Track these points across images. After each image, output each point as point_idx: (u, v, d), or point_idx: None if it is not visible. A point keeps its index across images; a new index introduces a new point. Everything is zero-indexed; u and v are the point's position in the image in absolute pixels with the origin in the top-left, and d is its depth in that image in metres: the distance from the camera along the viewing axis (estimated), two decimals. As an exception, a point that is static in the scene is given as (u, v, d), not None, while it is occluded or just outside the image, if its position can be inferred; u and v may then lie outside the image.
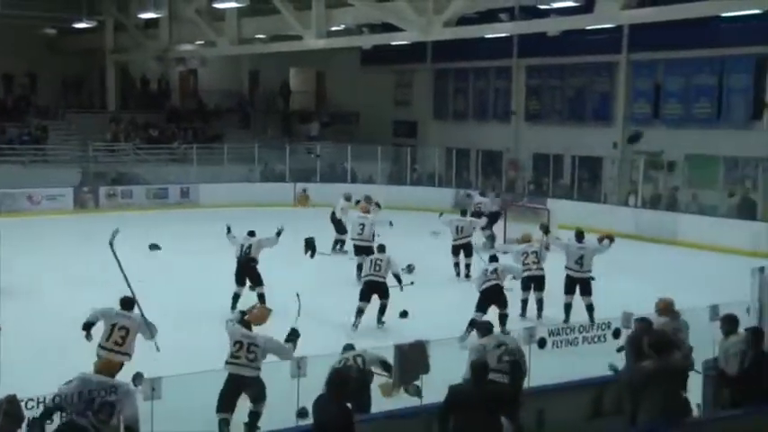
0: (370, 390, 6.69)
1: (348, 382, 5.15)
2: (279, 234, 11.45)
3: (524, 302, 11.20)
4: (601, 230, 18.65)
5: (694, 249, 17.54)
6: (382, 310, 10.61)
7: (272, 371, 6.45)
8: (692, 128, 20.60)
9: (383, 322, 10.63)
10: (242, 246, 11.26)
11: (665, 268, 15.52)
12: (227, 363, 6.90)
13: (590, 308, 10.87)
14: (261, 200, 23.40)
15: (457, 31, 19.08)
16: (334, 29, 21.76)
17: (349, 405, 5.12)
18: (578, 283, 10.98)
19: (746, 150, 19.02)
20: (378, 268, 10.65)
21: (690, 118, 20.72)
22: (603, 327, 7.04)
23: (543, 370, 6.68)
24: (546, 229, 12.82)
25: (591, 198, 21.30)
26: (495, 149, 25.45)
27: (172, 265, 14.67)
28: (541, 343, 6.60)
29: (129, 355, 7.57)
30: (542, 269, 11.22)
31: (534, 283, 11.20)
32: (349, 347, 7.15)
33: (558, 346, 6.67)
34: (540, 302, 11.21)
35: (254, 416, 6.86)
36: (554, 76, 24.31)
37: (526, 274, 11.14)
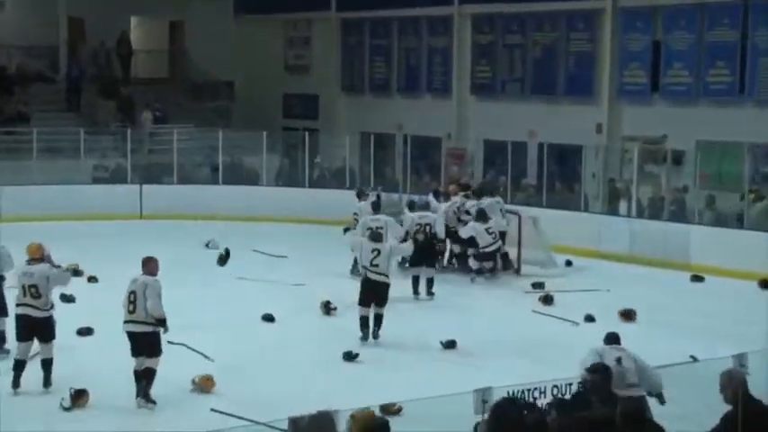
0: None
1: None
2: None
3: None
4: (580, 251, 18.96)
5: (712, 276, 17.72)
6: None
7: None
8: (705, 104, 20.91)
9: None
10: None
11: (671, 307, 15.61)
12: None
13: None
14: (92, 209, 22.86)
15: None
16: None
17: None
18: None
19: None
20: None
21: (702, 90, 21.00)
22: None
23: None
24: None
25: (566, 204, 21.33)
26: (432, 135, 25.44)
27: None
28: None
29: None
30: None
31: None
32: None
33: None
34: None
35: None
36: (512, 31, 24.42)
37: None
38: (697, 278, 17.83)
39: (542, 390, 8.23)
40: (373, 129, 25.78)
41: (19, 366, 10.88)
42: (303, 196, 24.08)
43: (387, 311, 13.73)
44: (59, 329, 12.02)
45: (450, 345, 13.00)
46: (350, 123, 27.18)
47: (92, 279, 16.64)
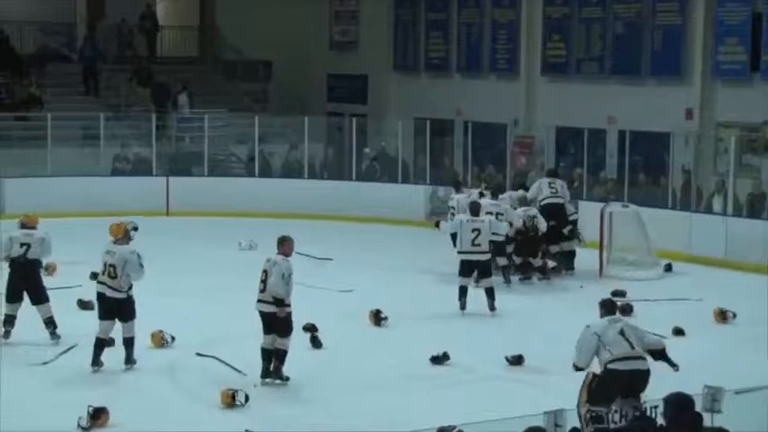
0: None
1: None
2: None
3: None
4: (668, 254, 18.83)
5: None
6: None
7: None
8: (814, 85, 20.75)
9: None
10: None
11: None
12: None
13: None
14: (112, 205, 23.06)
15: None
16: None
17: None
18: None
19: None
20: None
21: (810, 69, 20.82)
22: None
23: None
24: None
25: (651, 200, 21.16)
26: (496, 121, 25.34)
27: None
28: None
29: None
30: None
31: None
32: None
33: None
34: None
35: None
36: (590, 2, 24.29)
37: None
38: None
39: (624, 413, 8.18)
40: (429, 114, 25.71)
41: (99, 345, 12.36)
42: (350, 190, 24.13)
43: (447, 324, 14.03)
44: (76, 339, 12.17)
45: (516, 361, 12.96)
46: (403, 108, 27.17)
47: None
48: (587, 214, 19.60)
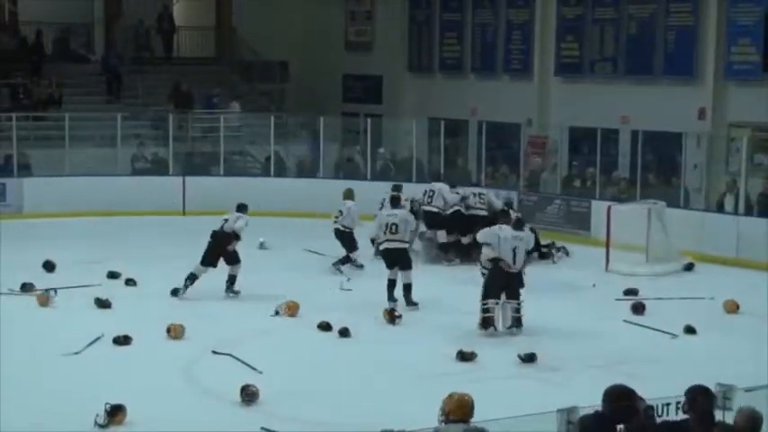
0: None
1: None
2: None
3: None
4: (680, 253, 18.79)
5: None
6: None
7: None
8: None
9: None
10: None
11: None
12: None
13: None
14: (130, 204, 23.21)
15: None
16: None
17: None
18: None
19: None
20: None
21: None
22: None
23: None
24: None
25: (663, 200, 20.95)
26: (510, 121, 25.34)
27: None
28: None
29: None
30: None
31: None
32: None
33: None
34: None
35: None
36: (603, 3, 24.21)
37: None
38: (815, 285, 17.53)
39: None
40: (444, 114, 25.72)
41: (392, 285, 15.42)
42: (365, 190, 24.08)
43: (459, 322, 14.02)
44: (93, 336, 12.23)
45: (529, 358, 12.95)
46: (417, 108, 27.15)
47: (129, 282, 16.86)
48: (600, 213, 19.64)
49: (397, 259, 15.64)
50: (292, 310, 15.12)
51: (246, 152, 27.04)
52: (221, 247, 16.10)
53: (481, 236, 14.74)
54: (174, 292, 15.89)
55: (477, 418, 7.82)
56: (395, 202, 16.88)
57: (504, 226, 14.55)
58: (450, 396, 7.37)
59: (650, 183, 22.06)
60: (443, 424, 7.27)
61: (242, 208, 16.63)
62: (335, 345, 13.79)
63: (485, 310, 14.07)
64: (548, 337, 13.98)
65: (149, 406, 10.90)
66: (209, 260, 16.11)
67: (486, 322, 14.05)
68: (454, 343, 13.25)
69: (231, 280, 16.21)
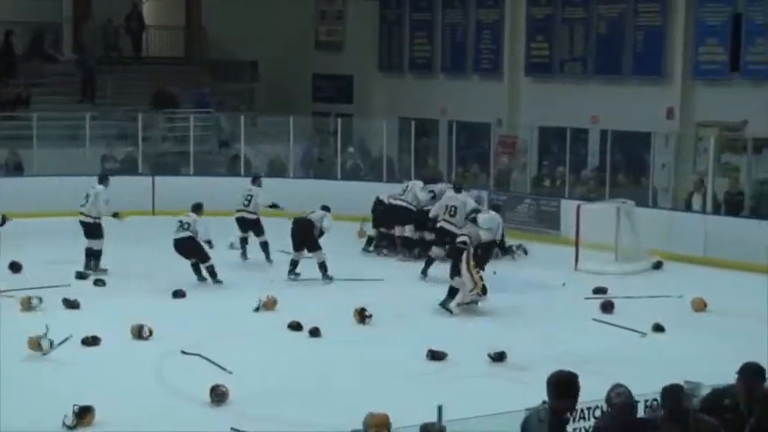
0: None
1: None
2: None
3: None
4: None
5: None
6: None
7: None
8: (792, 85, 20.79)
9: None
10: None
11: (752, 315, 15.32)
12: None
13: None
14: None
15: None
16: None
17: None
18: None
19: None
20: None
21: (788, 69, 20.88)
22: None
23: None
24: None
25: (632, 199, 21.06)
26: (480, 121, 25.37)
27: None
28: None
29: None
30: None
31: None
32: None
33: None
34: None
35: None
36: (573, 3, 24.30)
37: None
38: (782, 283, 17.65)
39: (604, 409, 8.18)
40: (414, 114, 25.74)
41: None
42: (335, 189, 24.08)
43: (428, 319, 14.06)
44: (60, 337, 12.16)
45: (499, 357, 12.98)
46: (387, 107, 27.15)
47: (98, 282, 16.77)
48: (570, 213, 19.73)
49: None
50: (271, 304, 15.28)
51: (216, 152, 26.95)
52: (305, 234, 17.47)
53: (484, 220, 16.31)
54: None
55: (447, 416, 7.85)
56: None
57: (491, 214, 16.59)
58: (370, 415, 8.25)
59: (619, 182, 22.15)
60: None
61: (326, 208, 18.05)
62: (306, 344, 13.77)
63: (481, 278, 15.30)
64: (518, 336, 13.99)
65: (118, 407, 10.85)
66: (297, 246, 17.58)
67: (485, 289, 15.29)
68: (425, 342, 13.25)
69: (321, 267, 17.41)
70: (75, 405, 10.44)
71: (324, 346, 13.73)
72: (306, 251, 17.52)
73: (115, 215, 17.57)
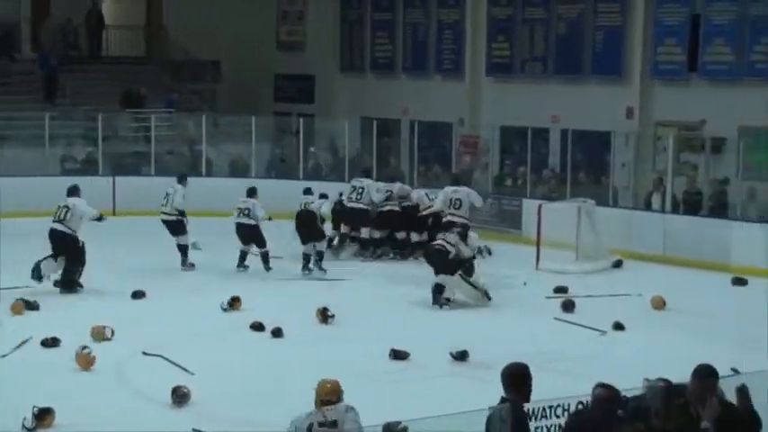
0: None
1: None
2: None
3: None
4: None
5: (756, 278, 17.69)
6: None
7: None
8: (749, 85, 20.87)
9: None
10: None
11: (710, 313, 15.64)
12: None
13: None
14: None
15: None
16: None
17: None
18: None
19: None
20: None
21: (745, 69, 20.99)
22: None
23: None
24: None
25: (592, 198, 21.19)
26: (442, 121, 25.43)
27: None
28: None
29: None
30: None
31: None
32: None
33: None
34: None
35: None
36: (533, 3, 24.43)
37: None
38: (739, 281, 17.81)
39: (565, 406, 8.21)
40: (376, 114, 25.78)
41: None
42: (297, 189, 24.01)
43: (390, 319, 14.18)
44: (20, 339, 12.05)
45: (461, 356, 13.00)
46: (350, 107, 27.19)
47: (57, 284, 16.60)
48: (531, 212, 19.81)
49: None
50: (236, 304, 15.28)
51: (177, 152, 26.84)
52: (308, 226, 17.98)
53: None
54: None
55: (411, 416, 7.85)
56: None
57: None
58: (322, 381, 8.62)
59: (580, 181, 22.27)
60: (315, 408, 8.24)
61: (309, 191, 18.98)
62: (268, 345, 13.73)
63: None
64: (479, 335, 14.02)
65: (79, 409, 10.78)
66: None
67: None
68: (387, 342, 13.25)
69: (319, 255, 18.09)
70: (34, 407, 10.32)
71: (286, 346, 13.69)
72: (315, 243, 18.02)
73: (99, 218, 17.32)
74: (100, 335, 13.47)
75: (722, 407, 7.16)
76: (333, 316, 14.68)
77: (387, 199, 19.63)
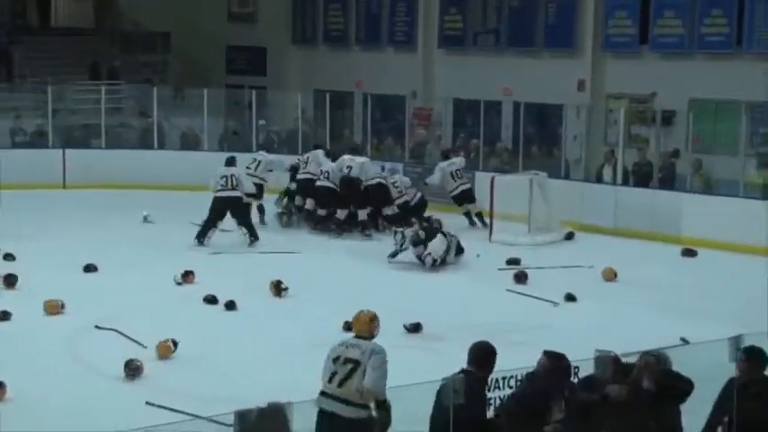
0: None
1: None
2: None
3: None
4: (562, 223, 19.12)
5: (706, 249, 17.96)
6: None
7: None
8: (700, 58, 21.05)
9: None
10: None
11: (660, 284, 15.82)
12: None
13: None
14: (9, 178, 22.59)
15: None
16: None
17: None
18: None
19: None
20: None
21: (696, 42, 21.13)
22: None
23: None
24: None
25: (544, 170, 21.27)
26: (395, 93, 25.43)
27: None
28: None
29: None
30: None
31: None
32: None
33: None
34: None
35: None
36: (486, -24, 24.45)
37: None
38: (689, 252, 18.01)
39: (519, 378, 8.28)
40: (329, 86, 25.73)
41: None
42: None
43: (344, 291, 14.18)
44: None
45: (414, 328, 13.05)
46: (302, 80, 27.11)
47: (8, 257, 16.43)
48: (484, 184, 19.88)
49: (466, 198, 20.10)
50: (190, 278, 15.24)
51: (128, 124, 26.64)
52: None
53: None
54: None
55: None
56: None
57: None
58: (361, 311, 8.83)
59: (532, 154, 22.35)
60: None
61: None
62: (222, 318, 13.71)
63: None
64: (433, 307, 14.09)
65: (31, 383, 10.72)
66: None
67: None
68: (341, 314, 13.26)
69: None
70: (-14, 381, 10.28)
71: (239, 318, 13.68)
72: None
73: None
74: (53, 308, 13.39)
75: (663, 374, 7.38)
76: (286, 289, 14.66)
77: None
